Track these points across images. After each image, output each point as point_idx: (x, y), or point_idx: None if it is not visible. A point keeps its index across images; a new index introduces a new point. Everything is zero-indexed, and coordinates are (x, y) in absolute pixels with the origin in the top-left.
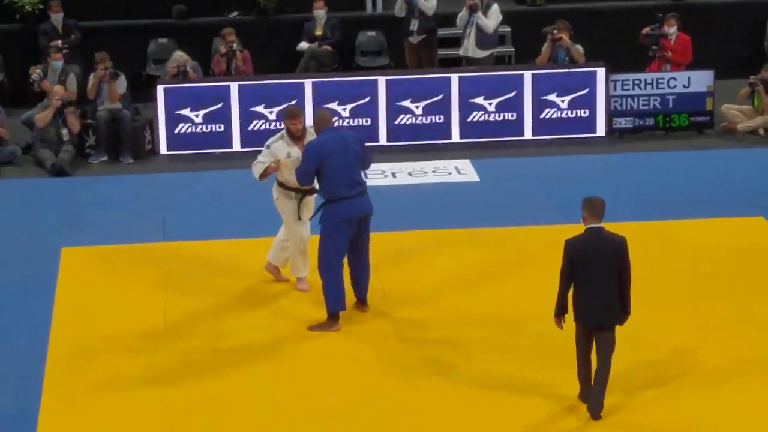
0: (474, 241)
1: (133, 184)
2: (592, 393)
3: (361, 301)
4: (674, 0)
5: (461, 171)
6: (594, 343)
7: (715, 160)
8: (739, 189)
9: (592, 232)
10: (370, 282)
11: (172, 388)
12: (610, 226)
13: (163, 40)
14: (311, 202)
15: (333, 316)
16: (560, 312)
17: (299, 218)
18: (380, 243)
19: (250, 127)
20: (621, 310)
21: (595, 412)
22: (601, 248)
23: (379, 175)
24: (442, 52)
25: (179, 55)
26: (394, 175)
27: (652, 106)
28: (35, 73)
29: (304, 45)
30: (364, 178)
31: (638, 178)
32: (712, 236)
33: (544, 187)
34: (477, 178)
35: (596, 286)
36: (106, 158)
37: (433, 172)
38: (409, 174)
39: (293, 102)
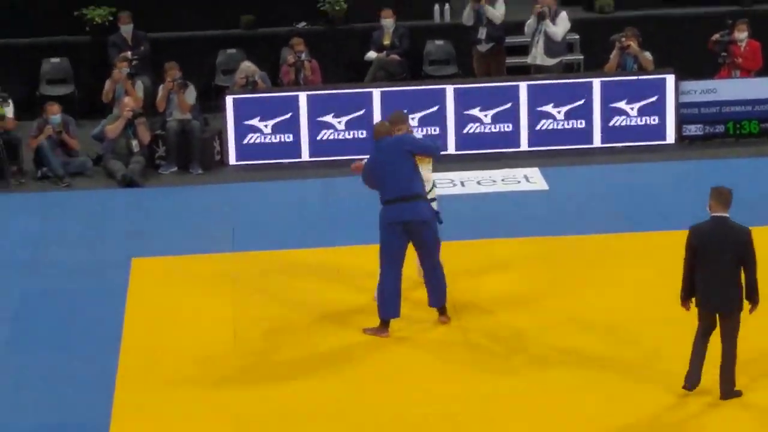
0: (544, 250)
1: (203, 194)
2: (721, 380)
3: (439, 311)
4: (744, 6)
5: (530, 179)
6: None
7: None
8: None
9: (717, 220)
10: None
11: (241, 398)
12: (680, 234)
13: (231, 51)
14: None
15: (383, 322)
16: (686, 296)
17: None
18: (450, 252)
19: (319, 137)
20: (748, 298)
21: (728, 396)
22: (724, 236)
23: (447, 184)
24: (510, 61)
25: (247, 66)
26: (462, 183)
27: (722, 113)
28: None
29: (372, 54)
30: (418, 185)
31: (708, 186)
32: None
33: (613, 196)
34: (546, 187)
35: (716, 273)
36: (175, 169)
37: (502, 180)
38: (478, 183)
39: (362, 111)
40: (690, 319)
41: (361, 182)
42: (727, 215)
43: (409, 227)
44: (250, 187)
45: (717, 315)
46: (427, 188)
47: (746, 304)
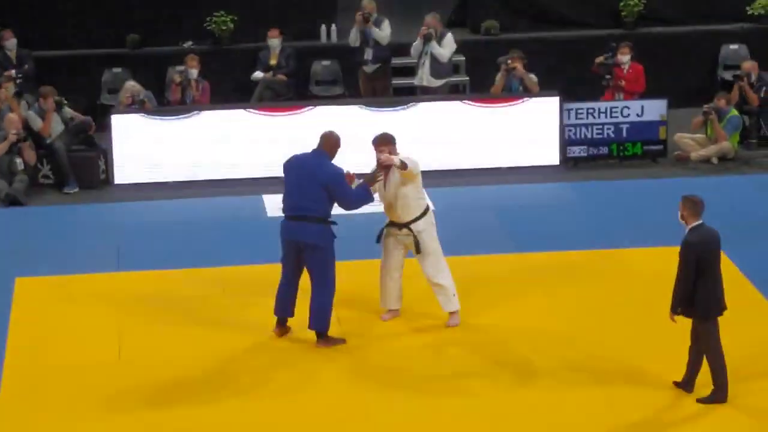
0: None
1: (88, 213)
2: (693, 374)
3: (316, 335)
4: (627, 29)
5: None
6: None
7: (668, 189)
8: None
9: (705, 228)
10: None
11: (127, 418)
12: (564, 255)
13: (117, 70)
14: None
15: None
16: (683, 307)
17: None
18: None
19: (206, 157)
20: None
21: (690, 388)
22: (717, 241)
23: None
24: (396, 82)
25: (131, 85)
26: None
27: (606, 135)
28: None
29: (258, 74)
30: (315, 207)
31: (592, 207)
32: (665, 264)
33: (498, 216)
34: (432, 208)
35: (718, 277)
36: (77, 189)
37: None
38: None
39: (249, 131)
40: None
41: (242, 202)
42: (702, 221)
43: (299, 246)
44: (136, 206)
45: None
46: (418, 213)
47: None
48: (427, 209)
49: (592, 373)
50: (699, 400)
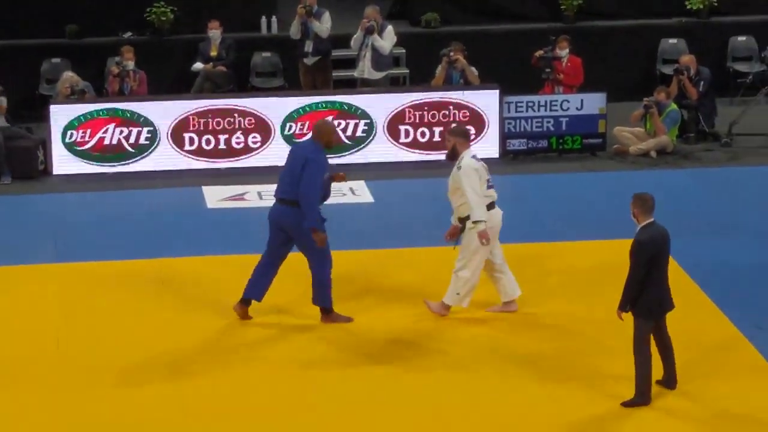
0: (375, 262)
1: (26, 204)
2: (672, 374)
3: (320, 310)
4: (567, 23)
5: (356, 192)
6: (655, 332)
7: (607, 182)
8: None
9: (655, 226)
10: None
11: (67, 410)
12: (504, 248)
13: (56, 60)
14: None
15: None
16: (631, 306)
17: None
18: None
19: (146, 149)
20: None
21: (673, 384)
22: (665, 241)
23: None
24: (337, 74)
25: (70, 76)
26: None
27: (545, 128)
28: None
29: (198, 66)
30: (295, 192)
31: (531, 200)
32: (603, 257)
33: (437, 209)
34: (371, 199)
35: (663, 278)
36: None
37: None
38: None
39: (187, 122)
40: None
41: (182, 193)
42: (654, 219)
43: (283, 229)
44: (74, 197)
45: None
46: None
47: None
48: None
49: (538, 370)
50: (623, 404)
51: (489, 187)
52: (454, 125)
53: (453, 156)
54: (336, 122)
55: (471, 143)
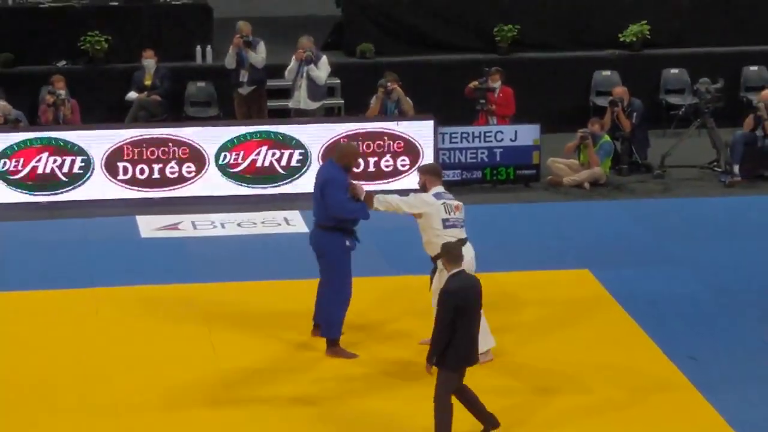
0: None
1: None
2: (482, 414)
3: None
4: (501, 54)
5: (290, 222)
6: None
7: (541, 213)
8: (565, 242)
9: (463, 276)
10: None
11: None
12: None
13: None
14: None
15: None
16: (437, 359)
17: None
18: (212, 293)
19: (79, 178)
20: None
21: (495, 422)
22: (475, 292)
23: (208, 225)
24: (272, 103)
25: (2, 105)
26: (223, 225)
27: (479, 159)
28: None
29: (133, 95)
30: (321, 214)
31: (465, 230)
32: (538, 289)
33: (373, 238)
34: (306, 230)
35: (472, 330)
36: None
37: (262, 223)
38: (238, 225)
39: (119, 151)
40: None
41: (115, 222)
42: (462, 268)
43: (314, 250)
44: (8, 226)
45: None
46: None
47: None
48: None
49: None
50: None
51: (447, 227)
52: (424, 163)
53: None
54: (270, 152)
55: (441, 181)
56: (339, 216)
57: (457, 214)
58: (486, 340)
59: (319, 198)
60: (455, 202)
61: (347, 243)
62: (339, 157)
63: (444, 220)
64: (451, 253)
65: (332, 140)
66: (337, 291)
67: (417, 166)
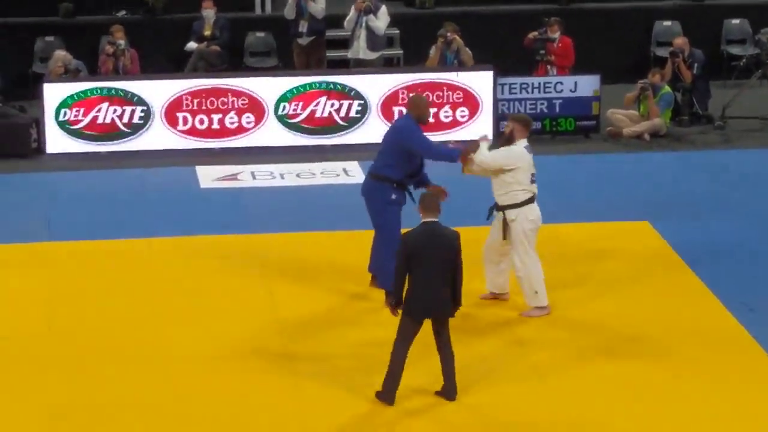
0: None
1: (20, 183)
2: (446, 379)
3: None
4: (561, 5)
5: (349, 173)
6: (435, 337)
7: (600, 165)
8: (625, 193)
9: (427, 226)
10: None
11: (56, 392)
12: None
13: (49, 38)
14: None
15: None
16: (398, 303)
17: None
18: (270, 244)
19: (139, 128)
20: (453, 299)
21: (452, 394)
22: (435, 242)
23: (267, 175)
24: (330, 54)
25: (63, 55)
26: (282, 176)
27: (539, 110)
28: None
29: (192, 45)
30: (377, 165)
31: None
32: (598, 240)
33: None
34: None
35: (430, 280)
36: None
37: (321, 173)
38: (297, 175)
39: (180, 102)
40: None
41: (175, 173)
42: (436, 220)
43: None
44: (68, 176)
45: (431, 320)
46: (511, 202)
47: None
48: (526, 202)
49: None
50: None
51: (532, 181)
52: (517, 112)
53: (508, 141)
54: (329, 103)
55: (528, 133)
56: (435, 157)
57: (535, 171)
58: (539, 298)
59: (386, 147)
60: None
61: (393, 196)
62: (411, 107)
63: (532, 175)
64: (424, 202)
65: (391, 90)
66: (387, 242)
67: (476, 116)
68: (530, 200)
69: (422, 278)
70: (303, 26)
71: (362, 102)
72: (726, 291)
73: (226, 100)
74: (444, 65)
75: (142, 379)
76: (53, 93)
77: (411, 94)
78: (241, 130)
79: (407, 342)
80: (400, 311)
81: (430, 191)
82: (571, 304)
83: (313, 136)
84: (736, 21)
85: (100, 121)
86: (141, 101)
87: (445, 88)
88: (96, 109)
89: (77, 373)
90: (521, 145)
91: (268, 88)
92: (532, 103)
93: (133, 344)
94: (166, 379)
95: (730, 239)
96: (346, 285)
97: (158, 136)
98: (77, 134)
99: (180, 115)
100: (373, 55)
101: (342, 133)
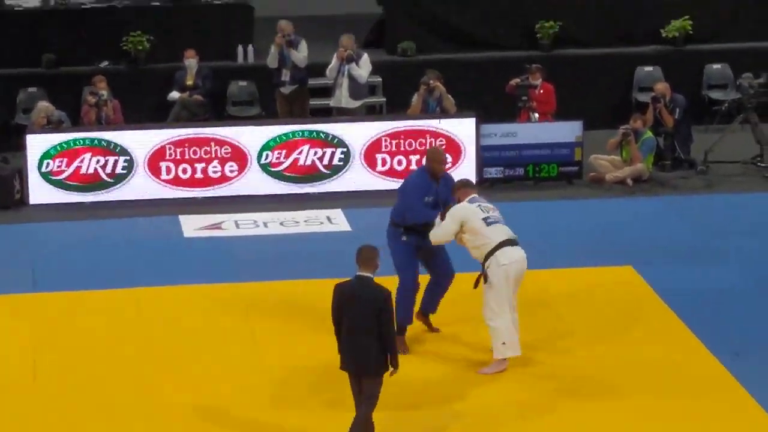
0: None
1: (3, 233)
2: None
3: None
4: (543, 51)
5: (333, 220)
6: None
7: (583, 210)
8: (608, 239)
9: (357, 279)
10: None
11: None
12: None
13: (32, 89)
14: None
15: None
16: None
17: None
18: (254, 293)
19: (122, 178)
20: (384, 363)
21: None
22: (360, 298)
23: (250, 224)
24: (314, 102)
25: (45, 106)
26: (265, 224)
27: (521, 156)
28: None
29: (175, 95)
30: (393, 213)
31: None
32: (581, 285)
33: None
34: (349, 228)
35: (353, 334)
36: None
37: (305, 221)
38: (281, 224)
39: (163, 151)
40: None
41: (158, 222)
42: (368, 275)
43: None
44: (51, 226)
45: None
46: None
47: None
48: (497, 247)
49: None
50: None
51: (490, 224)
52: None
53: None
54: (312, 151)
55: (475, 189)
56: (412, 219)
57: (493, 213)
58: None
59: (398, 195)
60: (489, 204)
61: (404, 238)
62: (427, 161)
63: (484, 219)
64: (361, 255)
65: (374, 138)
66: (400, 281)
67: (459, 163)
68: (502, 244)
69: (346, 332)
70: (286, 75)
71: (345, 150)
72: (711, 336)
73: (209, 149)
74: (426, 112)
75: (127, 430)
76: (36, 144)
77: (428, 148)
78: (224, 179)
79: (354, 395)
80: None
81: (367, 247)
82: (554, 350)
83: (296, 185)
84: (717, 66)
85: (83, 171)
86: (124, 151)
87: (427, 135)
88: (79, 159)
89: (62, 424)
90: (465, 200)
91: (251, 136)
92: (514, 149)
93: (119, 394)
94: (152, 430)
95: (714, 284)
96: (331, 334)
97: (141, 186)
98: (60, 185)
99: (163, 164)
100: (355, 104)
101: (325, 181)
